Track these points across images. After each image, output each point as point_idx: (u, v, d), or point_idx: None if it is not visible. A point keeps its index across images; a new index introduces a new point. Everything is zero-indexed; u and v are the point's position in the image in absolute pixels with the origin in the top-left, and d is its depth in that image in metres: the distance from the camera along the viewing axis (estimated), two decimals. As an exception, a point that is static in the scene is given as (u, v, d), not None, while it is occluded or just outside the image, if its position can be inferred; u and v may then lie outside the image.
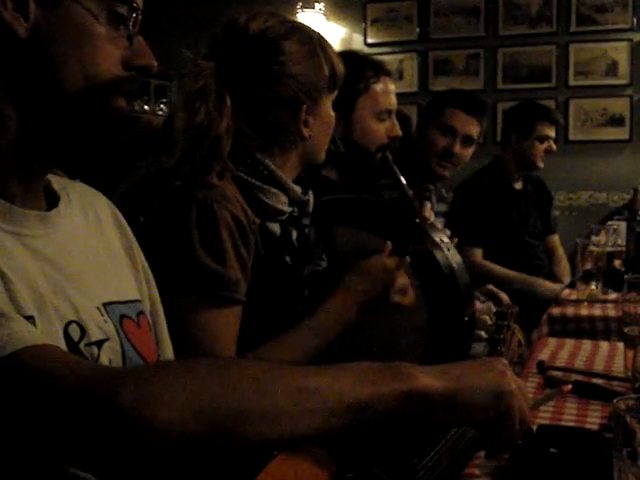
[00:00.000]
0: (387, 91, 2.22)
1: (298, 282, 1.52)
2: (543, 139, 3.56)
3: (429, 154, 2.79)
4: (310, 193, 1.57)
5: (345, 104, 2.10)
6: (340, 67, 1.54)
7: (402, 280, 1.55)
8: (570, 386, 1.42)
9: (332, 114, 1.56)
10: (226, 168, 1.40)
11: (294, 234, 1.54)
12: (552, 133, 3.59)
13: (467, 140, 2.81)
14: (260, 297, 1.41)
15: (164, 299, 1.12)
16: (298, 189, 1.52)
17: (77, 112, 0.85)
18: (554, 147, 3.61)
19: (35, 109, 0.83)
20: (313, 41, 1.49)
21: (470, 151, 2.86)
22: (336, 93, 1.56)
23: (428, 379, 0.86)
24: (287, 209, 1.50)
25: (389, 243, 1.55)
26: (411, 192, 2.11)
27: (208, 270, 1.33)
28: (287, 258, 1.50)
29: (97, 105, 0.85)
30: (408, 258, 1.56)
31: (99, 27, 0.84)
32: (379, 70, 2.22)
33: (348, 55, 2.23)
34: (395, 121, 2.24)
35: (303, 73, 1.46)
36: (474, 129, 2.82)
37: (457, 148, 2.77)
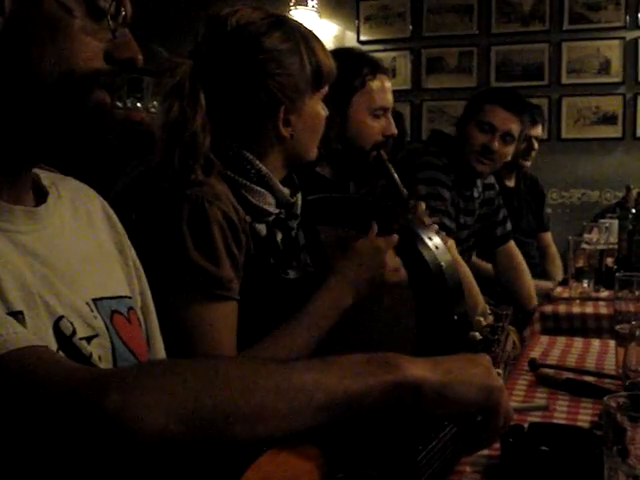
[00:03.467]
0: (383, 89, 2.22)
1: (281, 285, 1.50)
2: (522, 138, 3.56)
3: (469, 151, 2.78)
4: (298, 195, 1.55)
5: (341, 101, 2.10)
6: (328, 63, 1.50)
7: (392, 259, 1.54)
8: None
9: (320, 112, 1.52)
10: (212, 165, 1.39)
11: (279, 236, 1.52)
12: (533, 132, 3.59)
13: (507, 137, 2.80)
14: (248, 297, 1.40)
15: (157, 298, 1.11)
16: (286, 191, 1.50)
17: (56, 105, 0.84)
18: (536, 146, 3.62)
19: (14, 103, 0.83)
20: (296, 37, 1.45)
21: (510, 149, 2.85)
22: (325, 90, 1.53)
23: (417, 370, 0.85)
24: (274, 210, 1.48)
25: (374, 223, 1.55)
26: (405, 191, 2.11)
27: (201, 269, 1.32)
28: (271, 260, 1.48)
29: (76, 97, 0.84)
30: (396, 236, 1.55)
31: (74, 20, 0.83)
32: (375, 68, 2.22)
33: (345, 52, 2.24)
34: (391, 119, 2.24)
35: (282, 73, 1.43)
36: (514, 126, 2.80)
37: (496, 145, 2.76)
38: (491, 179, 3.06)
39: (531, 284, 3.13)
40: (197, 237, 1.33)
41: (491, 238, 3.10)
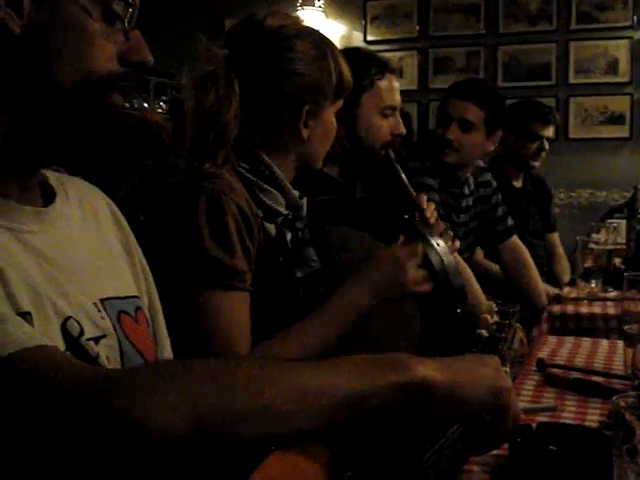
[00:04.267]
0: (391, 88, 2.24)
1: (289, 283, 1.51)
2: (534, 138, 3.55)
3: (437, 145, 2.80)
4: (304, 199, 1.58)
5: (350, 100, 2.11)
6: (348, 79, 1.56)
7: (415, 270, 1.54)
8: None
9: (334, 123, 1.57)
10: (228, 158, 1.41)
11: (288, 236, 1.54)
12: (545, 132, 3.57)
13: (464, 123, 2.78)
14: (258, 292, 1.41)
15: (172, 289, 1.12)
16: (296, 193, 1.53)
17: (72, 108, 0.84)
18: (546, 146, 3.60)
19: (30, 105, 0.83)
20: (325, 46, 1.52)
21: (474, 136, 2.80)
22: (341, 103, 1.57)
23: (426, 370, 0.85)
24: (283, 211, 1.51)
25: (402, 236, 1.56)
26: (414, 192, 2.10)
27: (216, 259, 1.33)
28: (281, 259, 1.50)
29: (93, 101, 0.85)
30: (420, 247, 1.55)
31: (93, 24, 0.83)
32: (384, 67, 2.23)
33: (353, 52, 2.24)
34: (399, 119, 2.25)
35: (310, 74, 1.48)
36: (469, 112, 2.77)
37: (451, 133, 2.75)
38: (487, 176, 3.05)
39: (539, 280, 3.11)
40: (213, 228, 1.34)
41: (491, 235, 3.09)
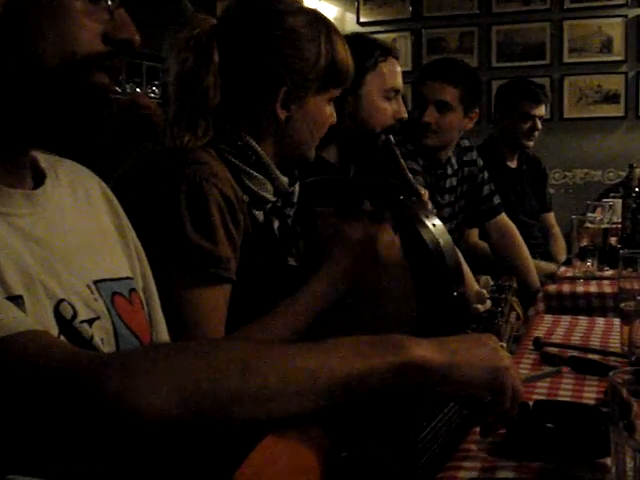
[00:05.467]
0: (394, 71, 2.26)
1: (279, 270, 1.48)
2: (526, 117, 3.54)
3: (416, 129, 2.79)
4: (296, 185, 1.54)
5: (353, 81, 2.11)
6: (345, 63, 1.49)
7: (387, 237, 1.48)
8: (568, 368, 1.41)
9: (325, 112, 1.51)
10: (208, 131, 1.39)
11: (276, 223, 1.51)
12: (537, 111, 3.57)
13: (440, 105, 2.78)
14: (244, 278, 1.39)
15: (157, 276, 1.11)
16: (285, 180, 1.49)
17: (56, 88, 0.83)
18: (539, 125, 3.59)
19: (14, 85, 0.82)
20: (318, 27, 1.46)
21: (451, 116, 2.79)
22: (337, 92, 1.52)
23: (423, 351, 0.85)
24: (271, 198, 1.47)
25: (367, 204, 1.52)
26: (412, 177, 2.10)
27: (198, 248, 1.31)
28: (267, 247, 1.47)
29: (77, 81, 0.83)
30: (390, 223, 1.52)
31: (75, 1, 0.82)
32: (387, 51, 2.25)
33: (357, 37, 2.26)
34: (401, 103, 2.28)
35: (294, 55, 1.43)
36: (444, 93, 2.77)
37: (427, 116, 2.75)
38: (473, 155, 3.05)
39: (529, 259, 3.12)
40: (195, 216, 1.32)
41: (477, 214, 3.10)
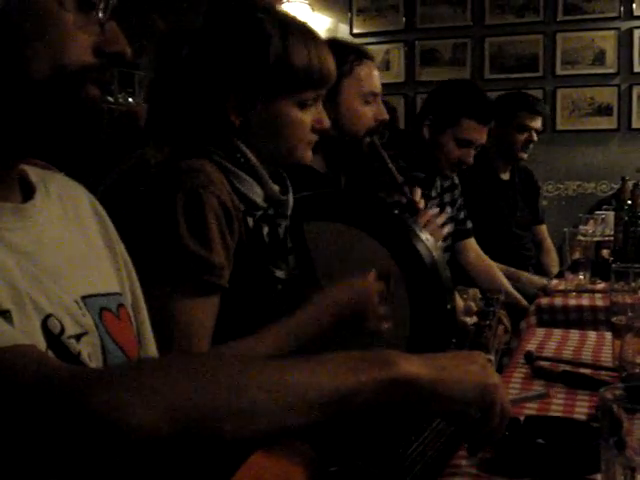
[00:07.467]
0: (371, 74, 2.24)
1: (267, 279, 1.47)
2: (523, 129, 3.55)
3: (445, 161, 2.89)
4: (289, 196, 1.52)
5: (330, 88, 2.11)
6: (307, 64, 1.42)
7: (380, 308, 1.48)
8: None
9: (290, 115, 1.44)
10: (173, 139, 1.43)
11: (265, 229, 1.49)
12: (534, 123, 3.58)
13: (478, 147, 2.91)
14: (232, 284, 1.38)
15: (148, 286, 1.10)
16: (276, 187, 1.48)
17: (47, 101, 0.82)
18: (535, 137, 3.60)
19: (4, 98, 0.81)
20: (268, 28, 1.40)
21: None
22: (308, 95, 1.45)
23: (412, 367, 0.84)
24: (261, 203, 1.45)
25: (373, 273, 1.49)
26: (400, 177, 2.10)
27: (194, 255, 1.30)
28: (256, 253, 1.46)
29: (68, 93, 0.83)
30: (392, 284, 1.50)
31: (66, 14, 0.81)
32: (361, 54, 2.23)
33: (330, 42, 2.23)
34: (381, 105, 2.26)
35: (238, 59, 1.40)
36: (485, 136, 2.92)
37: (471, 158, 2.88)
38: (455, 180, 3.10)
39: (507, 282, 3.15)
40: (191, 224, 1.31)
41: (452, 233, 3.13)
